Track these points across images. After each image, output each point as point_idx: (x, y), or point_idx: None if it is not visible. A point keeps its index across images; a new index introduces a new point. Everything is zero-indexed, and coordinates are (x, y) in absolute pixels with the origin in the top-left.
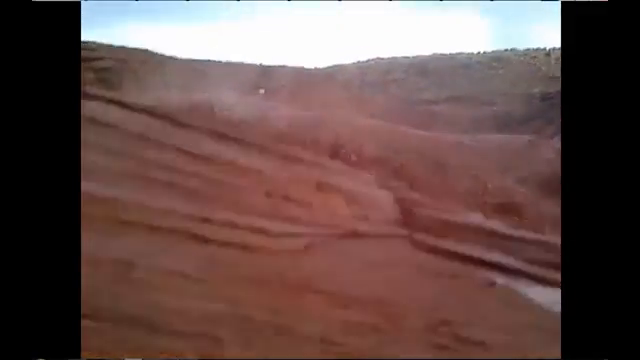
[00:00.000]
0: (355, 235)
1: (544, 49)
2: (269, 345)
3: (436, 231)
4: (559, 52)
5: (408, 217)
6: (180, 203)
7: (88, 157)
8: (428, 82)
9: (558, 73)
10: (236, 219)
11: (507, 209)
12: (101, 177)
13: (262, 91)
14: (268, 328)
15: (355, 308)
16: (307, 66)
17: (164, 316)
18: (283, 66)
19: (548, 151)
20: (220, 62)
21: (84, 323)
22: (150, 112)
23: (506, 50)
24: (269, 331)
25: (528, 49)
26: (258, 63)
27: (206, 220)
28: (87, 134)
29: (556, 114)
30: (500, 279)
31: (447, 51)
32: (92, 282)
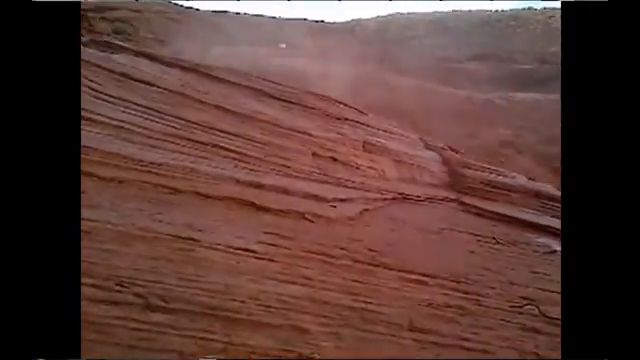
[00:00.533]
0: (405, 199)
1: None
2: (359, 336)
3: (484, 193)
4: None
5: (455, 178)
6: (228, 167)
7: (126, 117)
8: (448, 39)
9: None
10: (287, 184)
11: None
12: (143, 140)
13: (283, 45)
14: (352, 314)
15: (432, 286)
16: (326, 20)
17: (241, 304)
18: (303, 19)
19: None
20: (239, 15)
21: (156, 318)
22: (186, 67)
23: (524, 9)
24: (354, 318)
25: (545, 8)
26: (277, 16)
27: (257, 186)
28: (121, 91)
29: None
30: (556, 245)
31: (466, 8)
32: (154, 264)
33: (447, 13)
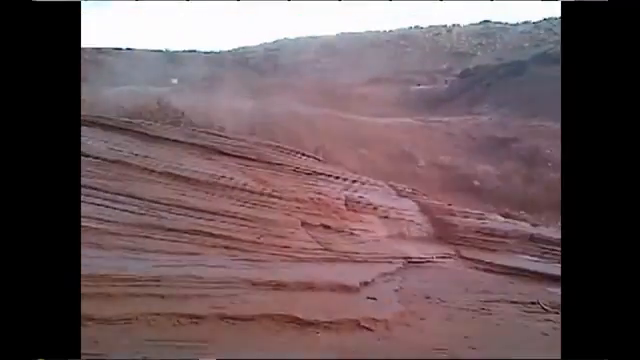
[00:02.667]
0: (410, 263)
1: (445, 26)
2: None
3: (480, 242)
4: (460, 28)
5: (441, 228)
6: (228, 263)
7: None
8: (340, 63)
9: (462, 49)
10: (306, 276)
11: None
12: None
13: (175, 81)
14: None
15: None
16: (212, 49)
17: None
18: (192, 51)
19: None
20: (122, 50)
21: None
22: (108, 126)
23: (411, 28)
24: None
25: (431, 26)
26: (164, 49)
27: (278, 285)
28: None
29: (481, 91)
30: None
31: (354, 30)
32: None
33: (335, 36)
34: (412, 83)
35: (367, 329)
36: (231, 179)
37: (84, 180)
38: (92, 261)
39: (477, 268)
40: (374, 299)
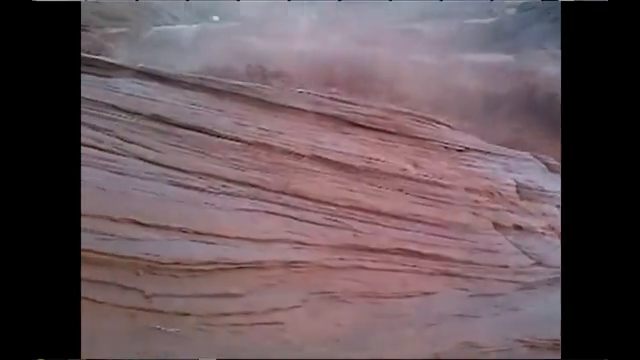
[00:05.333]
0: None
1: None
2: None
3: None
4: None
5: None
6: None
7: None
8: None
9: None
10: None
11: None
12: None
13: (216, 18)
14: None
15: None
16: None
17: None
18: None
19: None
20: None
21: None
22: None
23: None
24: None
25: None
26: None
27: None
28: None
29: (548, 27)
30: None
31: None
32: None
33: None
34: (464, 16)
35: None
36: (384, 162)
37: (234, 173)
38: None
39: None
40: None
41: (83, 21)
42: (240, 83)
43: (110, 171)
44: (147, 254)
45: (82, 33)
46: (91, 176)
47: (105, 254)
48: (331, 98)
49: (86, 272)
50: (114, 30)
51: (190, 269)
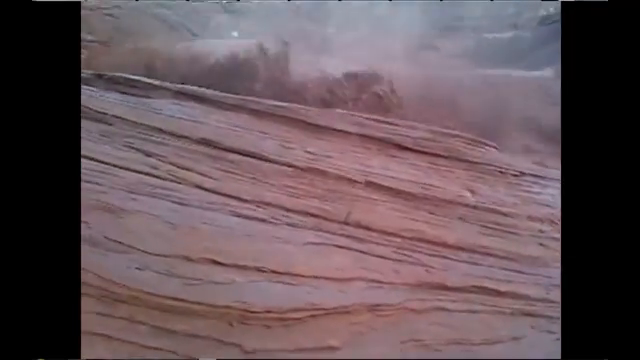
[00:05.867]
0: None
1: None
2: None
3: None
4: None
5: None
6: None
7: None
8: (394, 10)
9: None
10: None
11: None
12: None
13: (235, 34)
14: None
15: None
16: None
17: None
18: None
19: None
20: (175, 0)
21: None
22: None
23: None
24: None
25: None
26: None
27: None
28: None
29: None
30: None
31: None
32: None
33: None
34: (483, 31)
35: None
36: (441, 189)
37: (291, 202)
38: None
39: None
40: None
41: (105, 37)
42: (281, 104)
43: (172, 201)
44: (236, 301)
45: (105, 48)
46: (157, 209)
47: (200, 304)
48: (374, 119)
49: (182, 324)
50: (137, 45)
51: (281, 317)
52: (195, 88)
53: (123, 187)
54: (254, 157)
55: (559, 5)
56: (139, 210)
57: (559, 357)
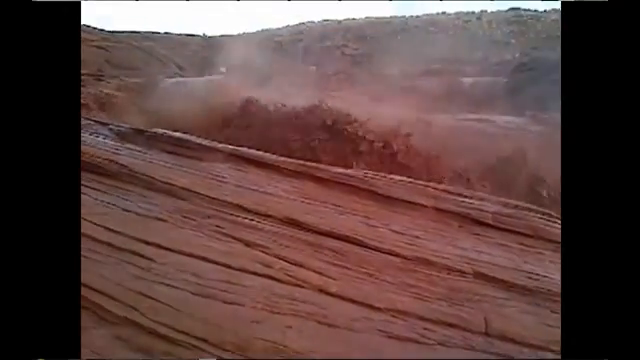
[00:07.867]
0: None
1: (474, 12)
2: None
3: None
4: (489, 15)
5: None
6: None
7: None
8: (369, 48)
9: (495, 36)
10: None
11: None
12: None
13: (223, 69)
14: None
15: None
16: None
17: None
18: (225, 35)
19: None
20: (166, 35)
21: None
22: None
23: (438, 14)
24: None
25: (458, 12)
26: (202, 34)
27: None
28: None
29: (549, 88)
30: None
31: (378, 14)
32: None
33: (361, 20)
34: (457, 74)
35: None
36: (552, 280)
37: (422, 307)
38: None
39: None
40: None
41: (99, 70)
42: (345, 171)
43: (317, 321)
44: None
45: (101, 83)
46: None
47: None
48: (444, 190)
49: None
50: (130, 80)
51: None
52: (249, 150)
53: (257, 302)
54: (351, 242)
55: (513, 50)
56: None
57: (559, 357)
